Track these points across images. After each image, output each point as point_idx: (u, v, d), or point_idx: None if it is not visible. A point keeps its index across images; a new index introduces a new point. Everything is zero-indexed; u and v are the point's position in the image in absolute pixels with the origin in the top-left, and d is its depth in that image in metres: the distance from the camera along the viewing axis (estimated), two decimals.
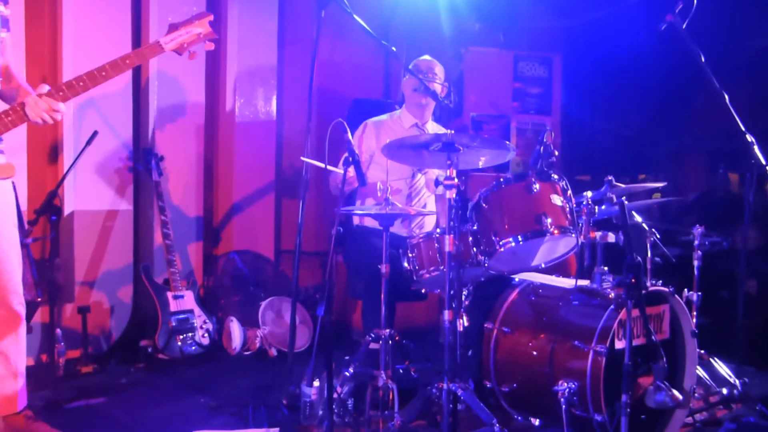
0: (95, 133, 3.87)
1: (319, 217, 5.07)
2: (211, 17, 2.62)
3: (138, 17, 4.26)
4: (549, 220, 2.78)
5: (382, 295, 2.97)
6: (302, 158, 3.31)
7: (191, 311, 4.06)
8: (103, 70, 2.45)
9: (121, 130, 4.19)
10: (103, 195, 4.14)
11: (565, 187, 2.90)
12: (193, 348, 4.01)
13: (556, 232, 2.79)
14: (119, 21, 4.12)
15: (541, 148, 2.87)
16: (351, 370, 3.08)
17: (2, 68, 2.57)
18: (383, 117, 3.85)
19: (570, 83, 5.44)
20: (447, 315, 2.70)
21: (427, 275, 3.00)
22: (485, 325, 3.05)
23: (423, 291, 3.33)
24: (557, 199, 2.86)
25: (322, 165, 3.20)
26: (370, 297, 3.28)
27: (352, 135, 3.28)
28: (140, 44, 4.25)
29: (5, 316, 2.62)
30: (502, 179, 2.91)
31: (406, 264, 3.05)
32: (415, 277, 3.04)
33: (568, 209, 2.87)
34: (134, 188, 4.28)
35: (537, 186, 2.83)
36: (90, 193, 4.09)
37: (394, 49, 3.36)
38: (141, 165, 4.24)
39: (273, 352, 4.17)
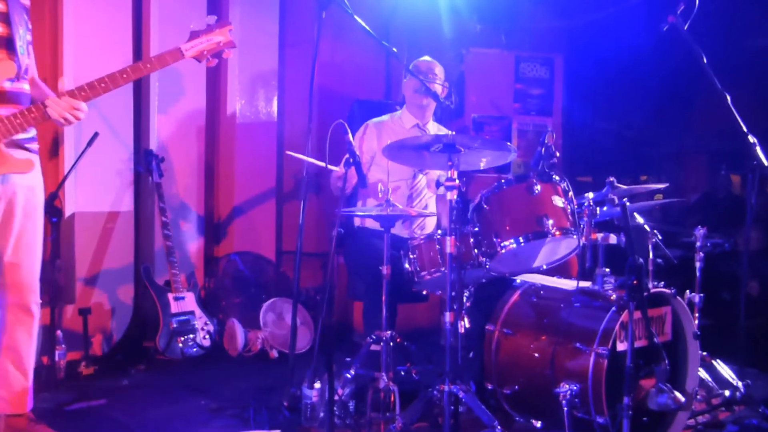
0: (96, 135, 3.86)
1: (319, 218, 5.07)
2: (231, 26, 2.67)
3: (138, 20, 4.26)
4: (550, 222, 2.78)
5: (383, 297, 2.97)
6: (301, 156, 3.30)
7: (192, 313, 4.06)
8: (125, 72, 2.51)
9: (122, 131, 4.19)
10: (104, 196, 4.14)
11: (567, 188, 2.90)
12: (194, 349, 4.01)
13: (557, 233, 2.79)
14: (119, 23, 4.12)
15: (543, 149, 2.87)
16: (352, 371, 3.08)
17: (30, 75, 2.64)
18: (384, 118, 3.84)
19: (571, 84, 5.44)
20: (448, 317, 2.70)
21: (429, 277, 3.00)
22: (486, 327, 3.05)
23: (424, 292, 3.32)
24: (559, 201, 2.86)
25: (317, 162, 3.21)
26: (371, 298, 3.27)
27: (353, 136, 3.28)
28: (141, 47, 4.26)
29: (20, 314, 2.64)
30: (503, 180, 2.91)
31: (407, 265, 3.05)
32: (416, 279, 3.03)
33: (569, 210, 2.86)
34: (135, 190, 4.28)
35: (538, 187, 2.82)
36: (91, 195, 4.09)
37: (395, 50, 3.35)
38: (142, 166, 4.24)
39: (274, 353, 4.16)
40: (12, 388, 2.68)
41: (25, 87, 2.59)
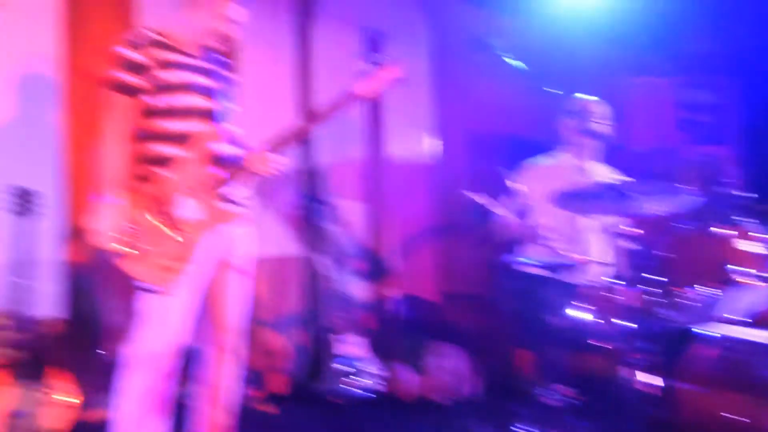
0: (267, 181, 4.11)
1: (481, 258, 5.03)
2: (400, 64, 2.77)
3: (301, 69, 4.53)
4: (737, 267, 2.58)
5: (552, 348, 2.89)
6: (477, 197, 3.30)
7: (359, 356, 4.16)
8: (308, 121, 2.72)
9: (290, 176, 4.43)
10: (275, 241, 4.39)
11: (754, 228, 2.68)
12: (361, 393, 4.10)
13: (746, 280, 2.58)
14: (283, 74, 4.43)
15: (720, 185, 2.69)
16: (522, 425, 3.00)
17: (232, 136, 2.84)
18: (543, 159, 3.77)
19: (744, 109, 5.05)
20: (626, 371, 2.57)
21: (600, 327, 2.88)
22: (670, 383, 2.85)
23: (596, 343, 3.18)
24: (745, 243, 2.65)
25: (488, 203, 3.19)
26: (539, 348, 3.19)
27: (513, 178, 3.25)
28: (306, 94, 4.51)
29: (226, 353, 2.83)
30: (680, 224, 2.75)
31: (576, 313, 2.95)
32: (587, 329, 2.92)
33: (758, 253, 2.64)
34: (303, 234, 4.50)
35: (721, 230, 2.64)
36: (262, 240, 4.35)
37: (554, 90, 3.30)
38: (309, 211, 4.45)
39: (440, 400, 4.15)
40: (213, 424, 2.85)
41: (229, 148, 2.76)
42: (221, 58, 2.82)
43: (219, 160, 2.69)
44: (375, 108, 4.82)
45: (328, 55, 4.56)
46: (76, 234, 3.79)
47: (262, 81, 4.33)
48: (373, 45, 4.80)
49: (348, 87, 2.71)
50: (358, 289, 4.68)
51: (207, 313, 2.81)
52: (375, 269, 4.87)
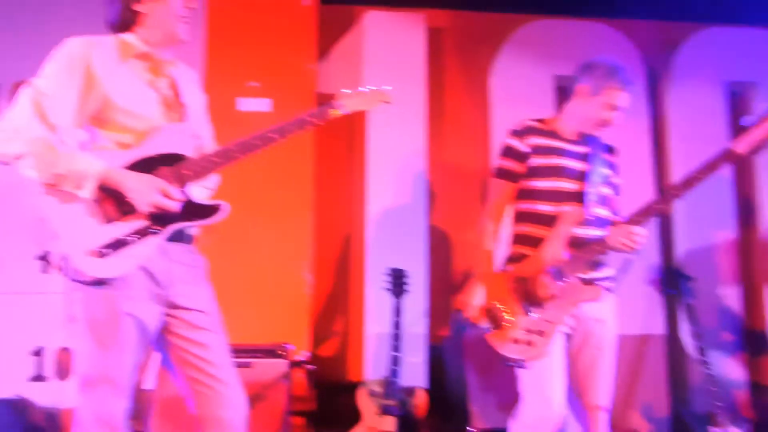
0: (627, 256, 3.93)
1: None
2: None
3: (660, 132, 4.33)
4: None
5: None
6: None
7: None
8: (673, 191, 2.59)
9: (648, 251, 4.18)
10: (634, 318, 4.14)
11: None
12: None
13: None
14: (640, 140, 4.26)
15: None
16: None
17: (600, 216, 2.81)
18: None
19: None
20: None
21: None
22: None
23: None
24: None
25: None
26: None
27: None
28: (665, 161, 4.27)
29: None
30: None
31: None
32: None
33: None
34: (665, 311, 4.18)
35: None
36: (623, 317, 4.14)
37: None
38: (670, 287, 4.14)
39: None
40: None
41: (593, 232, 2.73)
42: (602, 142, 2.82)
43: (584, 241, 2.69)
44: (743, 168, 4.33)
45: (686, 118, 4.27)
46: (438, 310, 4.09)
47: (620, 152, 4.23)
48: (738, 99, 4.35)
49: (726, 146, 2.53)
50: (732, 371, 4.15)
51: (571, 391, 2.77)
52: (753, 348, 4.28)
